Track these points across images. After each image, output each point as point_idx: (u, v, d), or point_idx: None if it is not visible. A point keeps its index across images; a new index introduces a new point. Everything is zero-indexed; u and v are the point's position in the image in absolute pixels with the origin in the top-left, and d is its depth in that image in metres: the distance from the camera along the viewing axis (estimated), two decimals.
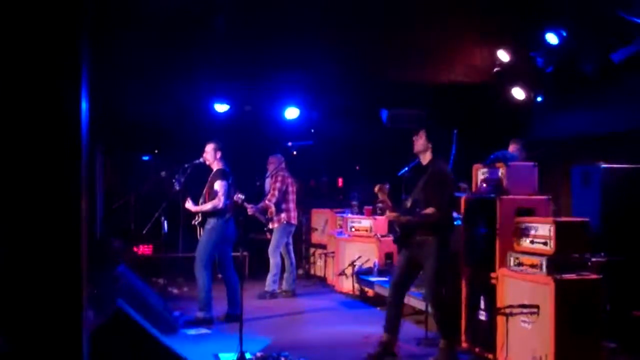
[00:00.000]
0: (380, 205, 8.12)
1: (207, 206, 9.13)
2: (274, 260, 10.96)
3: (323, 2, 9.86)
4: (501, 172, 7.39)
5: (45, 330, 3.32)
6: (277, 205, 11.03)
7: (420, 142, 7.50)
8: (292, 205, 11.24)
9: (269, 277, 11.02)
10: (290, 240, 11.48)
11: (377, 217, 11.01)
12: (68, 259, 3.34)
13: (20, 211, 3.27)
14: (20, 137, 3.25)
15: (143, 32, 9.20)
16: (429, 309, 7.70)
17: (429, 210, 7.19)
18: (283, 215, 11.12)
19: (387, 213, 7.69)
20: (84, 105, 3.35)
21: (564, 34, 9.48)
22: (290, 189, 11.22)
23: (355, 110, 12.94)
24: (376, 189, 7.57)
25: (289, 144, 11.00)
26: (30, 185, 3.28)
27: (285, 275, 11.44)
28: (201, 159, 9.33)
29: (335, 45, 10.48)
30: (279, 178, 11.04)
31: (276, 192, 11.01)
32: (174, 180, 9.42)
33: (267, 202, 10.96)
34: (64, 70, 3.28)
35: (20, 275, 3.28)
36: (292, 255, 11.51)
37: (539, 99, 10.59)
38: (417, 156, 7.58)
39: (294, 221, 11.34)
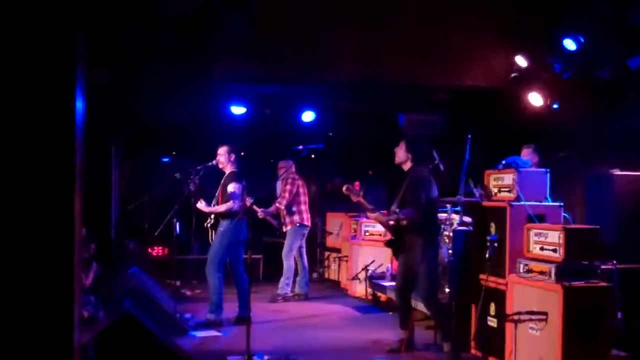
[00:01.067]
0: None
1: (221, 208, 9.13)
2: (287, 264, 10.96)
3: (341, 4, 9.89)
4: (512, 178, 7.34)
5: (35, 329, 3.32)
6: (289, 208, 11.04)
7: (400, 152, 7.96)
8: (304, 207, 11.24)
9: (282, 280, 11.02)
10: (304, 244, 11.46)
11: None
12: (60, 259, 3.33)
13: (11, 211, 3.27)
14: (13, 137, 3.25)
15: (161, 34, 9.23)
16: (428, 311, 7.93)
17: (406, 211, 7.59)
18: (296, 217, 11.12)
19: (368, 214, 8.06)
20: (79, 105, 3.34)
21: (582, 40, 9.42)
22: (301, 190, 11.22)
23: (372, 115, 12.92)
24: (344, 189, 7.96)
25: (300, 147, 10.99)
26: (21, 185, 3.28)
27: (298, 278, 11.41)
28: (213, 162, 9.34)
29: (353, 49, 10.48)
30: (289, 181, 11.08)
31: (287, 194, 11.03)
32: (188, 181, 9.45)
33: (277, 204, 10.99)
34: (59, 70, 3.28)
35: (10, 274, 3.28)
36: (305, 258, 11.49)
37: (555, 105, 10.52)
38: (400, 166, 7.99)
39: (308, 222, 11.32)
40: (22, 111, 3.24)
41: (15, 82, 3.24)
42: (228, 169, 9.28)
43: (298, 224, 11.15)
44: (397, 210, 7.77)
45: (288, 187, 11.06)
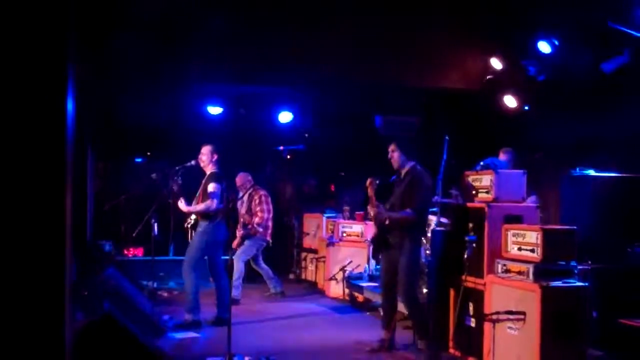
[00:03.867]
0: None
1: (200, 207, 9.10)
2: (237, 265, 10.81)
3: (319, 6, 9.91)
4: (490, 179, 7.41)
5: (27, 328, 3.32)
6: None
7: (395, 155, 7.95)
8: (270, 223, 11.44)
9: (231, 283, 11.00)
10: (260, 254, 11.54)
11: (369, 222, 11.04)
12: (52, 257, 3.34)
13: (4, 207, 3.27)
14: (5, 136, 3.25)
15: (136, 34, 9.20)
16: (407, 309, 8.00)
17: (407, 212, 7.64)
18: (261, 229, 11.24)
19: (369, 207, 8.05)
20: (69, 105, 3.35)
21: (557, 43, 9.52)
22: (270, 207, 11.45)
23: (348, 116, 12.95)
24: (368, 182, 7.89)
25: (281, 148, 11.05)
26: (14, 184, 3.28)
27: (267, 280, 11.57)
28: (193, 162, 9.30)
29: (331, 50, 10.51)
30: (262, 199, 11.33)
31: (265, 214, 11.29)
32: (171, 182, 9.41)
33: (255, 225, 11.10)
34: (50, 69, 3.28)
35: (2, 273, 3.28)
36: (263, 264, 11.60)
37: (526, 107, 10.64)
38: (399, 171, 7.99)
39: (269, 238, 11.49)
40: (15, 109, 3.25)
41: (8, 81, 3.24)
42: (209, 170, 9.24)
43: (261, 236, 11.27)
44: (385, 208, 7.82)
45: (264, 206, 11.32)
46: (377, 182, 7.85)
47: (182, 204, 9.22)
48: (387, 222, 7.81)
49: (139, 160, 14.58)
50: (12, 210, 3.31)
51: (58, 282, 3.39)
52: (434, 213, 9.69)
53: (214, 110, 12.83)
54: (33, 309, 3.35)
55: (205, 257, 9.24)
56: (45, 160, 3.32)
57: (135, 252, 12.63)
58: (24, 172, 3.31)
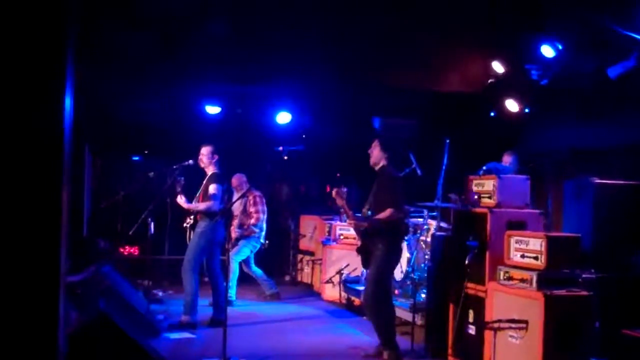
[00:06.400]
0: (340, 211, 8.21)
1: (201, 206, 9.03)
2: (231, 266, 10.72)
3: (318, 6, 9.81)
4: (493, 184, 7.30)
5: (20, 327, 3.24)
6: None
7: (375, 152, 7.89)
8: (264, 225, 11.37)
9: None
10: (252, 256, 11.45)
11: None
12: (47, 254, 3.26)
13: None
14: (2, 133, 3.16)
15: (135, 33, 9.12)
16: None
17: (387, 212, 7.48)
18: (256, 231, 11.19)
19: (347, 220, 7.97)
20: (68, 102, 3.26)
21: (560, 47, 9.44)
22: (265, 207, 11.40)
23: (347, 117, 12.87)
24: (333, 193, 7.76)
25: (280, 148, 10.92)
26: (10, 180, 3.20)
27: (261, 282, 11.50)
28: (190, 161, 9.21)
29: (330, 51, 10.42)
30: (257, 200, 11.28)
31: (261, 215, 11.23)
32: (173, 181, 9.32)
33: (251, 227, 11.02)
34: (48, 65, 3.20)
35: None
36: (254, 267, 11.51)
37: (526, 110, 10.56)
38: (374, 167, 7.91)
39: (263, 240, 11.40)
40: (12, 106, 3.16)
41: (5, 78, 3.16)
42: (210, 170, 9.16)
43: (256, 237, 11.20)
44: (369, 211, 7.72)
45: (259, 207, 11.29)
46: (345, 190, 7.74)
47: (182, 200, 9.14)
48: (368, 228, 7.70)
49: (136, 158, 14.47)
50: (8, 207, 3.24)
51: (52, 280, 3.33)
52: (433, 217, 9.64)
53: (212, 109, 12.73)
54: (26, 307, 3.29)
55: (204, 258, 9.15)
56: (43, 157, 3.27)
57: (131, 251, 12.54)
58: (20, 169, 3.25)
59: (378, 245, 7.61)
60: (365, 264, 7.91)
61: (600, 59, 8.90)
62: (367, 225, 7.71)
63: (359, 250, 8.00)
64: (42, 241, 3.28)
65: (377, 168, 7.89)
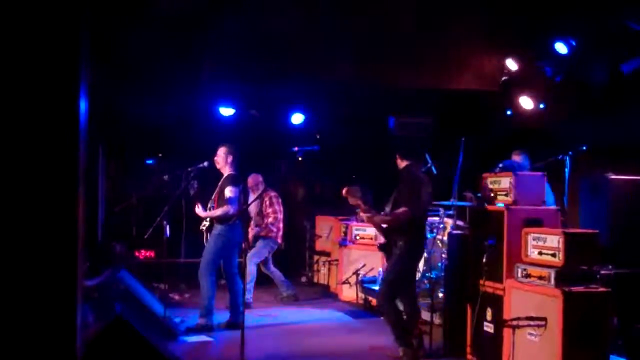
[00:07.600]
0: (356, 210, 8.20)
1: (217, 212, 8.99)
2: (249, 268, 10.62)
3: (332, 7, 9.81)
4: (510, 181, 7.26)
5: (38, 331, 3.25)
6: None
7: (398, 162, 7.85)
8: (282, 224, 11.35)
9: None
10: (270, 257, 11.43)
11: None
12: (64, 258, 3.27)
13: (16, 209, 3.20)
14: (18, 136, 3.17)
15: (148, 34, 9.13)
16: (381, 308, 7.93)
17: (401, 209, 7.46)
18: (273, 231, 11.17)
19: (361, 213, 7.93)
20: (82, 105, 3.26)
21: (574, 43, 9.40)
22: (281, 207, 11.39)
23: (362, 117, 12.84)
24: (344, 192, 7.75)
25: (295, 148, 10.91)
26: (27, 183, 3.21)
27: (278, 284, 11.47)
28: (205, 163, 9.19)
29: (344, 51, 10.41)
30: (273, 200, 11.24)
31: (278, 215, 11.20)
32: (188, 186, 9.32)
33: (269, 225, 11.01)
34: (63, 69, 3.20)
35: (13, 273, 3.20)
36: (273, 267, 11.50)
37: (541, 105, 10.52)
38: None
39: (280, 241, 11.38)
40: (28, 110, 3.17)
41: (22, 81, 3.16)
42: (226, 171, 9.13)
43: (273, 238, 11.17)
44: (389, 211, 7.71)
45: (276, 207, 11.25)
46: (358, 187, 7.72)
47: (199, 210, 9.11)
48: (384, 225, 7.71)
49: (150, 161, 14.48)
50: (25, 211, 3.25)
51: (70, 284, 3.34)
52: (450, 216, 9.61)
53: (226, 111, 12.72)
54: (44, 312, 3.31)
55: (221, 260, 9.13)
56: (58, 160, 3.28)
57: (146, 254, 12.54)
58: (36, 173, 3.26)
59: (399, 244, 7.57)
60: (388, 260, 7.90)
61: (614, 55, 8.86)
62: (380, 219, 7.68)
63: (381, 248, 8.03)
64: (58, 245, 3.30)
65: (400, 168, 7.85)
